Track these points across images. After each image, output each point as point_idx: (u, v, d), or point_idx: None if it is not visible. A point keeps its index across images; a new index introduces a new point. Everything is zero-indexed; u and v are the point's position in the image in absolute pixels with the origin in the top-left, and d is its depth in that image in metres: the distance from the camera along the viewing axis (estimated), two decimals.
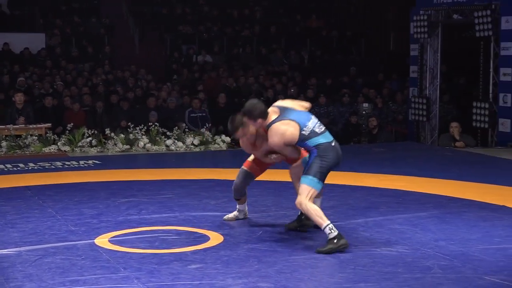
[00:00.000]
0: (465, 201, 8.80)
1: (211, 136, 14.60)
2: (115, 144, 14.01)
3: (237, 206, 7.73)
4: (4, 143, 13.88)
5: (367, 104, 17.39)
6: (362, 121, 16.70)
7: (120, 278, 5.83)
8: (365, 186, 9.81)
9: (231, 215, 7.78)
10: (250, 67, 20.69)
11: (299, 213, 7.23)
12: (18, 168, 11.72)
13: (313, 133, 6.59)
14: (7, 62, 19.33)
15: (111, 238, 7.07)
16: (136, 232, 7.32)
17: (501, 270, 6.00)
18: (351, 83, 19.94)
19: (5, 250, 6.65)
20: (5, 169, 11.64)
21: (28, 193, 9.45)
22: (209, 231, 7.30)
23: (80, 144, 14.05)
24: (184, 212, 8.22)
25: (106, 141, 14.14)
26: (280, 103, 6.87)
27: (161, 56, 22.03)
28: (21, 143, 13.94)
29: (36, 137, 14.07)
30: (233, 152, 14.10)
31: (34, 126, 14.48)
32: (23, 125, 14.52)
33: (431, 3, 16.45)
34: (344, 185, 9.81)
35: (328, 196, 8.95)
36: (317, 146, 6.59)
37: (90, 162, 12.27)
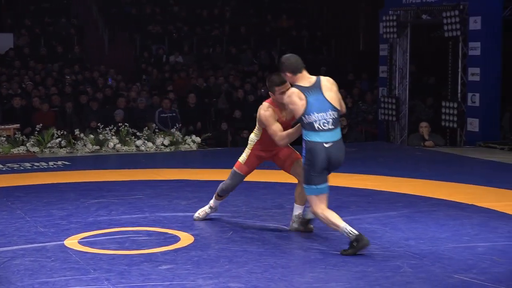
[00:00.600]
0: (435, 200, 8.86)
1: (181, 136, 14.57)
2: (85, 145, 13.93)
3: (211, 202, 7.68)
4: None
5: None
6: None
7: (90, 279, 5.79)
8: (335, 186, 9.77)
9: (201, 212, 7.74)
10: (220, 67, 20.67)
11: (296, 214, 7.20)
12: None
13: (310, 127, 6.41)
14: None
15: (80, 239, 7.02)
16: (106, 233, 7.27)
17: (470, 268, 6.04)
18: None
19: None
20: None
21: None
22: (180, 232, 7.27)
23: (49, 145, 13.95)
24: (154, 212, 8.18)
25: (75, 141, 14.06)
26: (326, 82, 6.60)
27: (131, 56, 21.93)
28: None
29: (5, 138, 13.94)
30: (203, 153, 14.10)
31: (2, 127, 14.32)
32: None
33: (400, 3, 16.55)
34: None
35: None
36: (306, 141, 6.44)
37: (59, 163, 12.18)
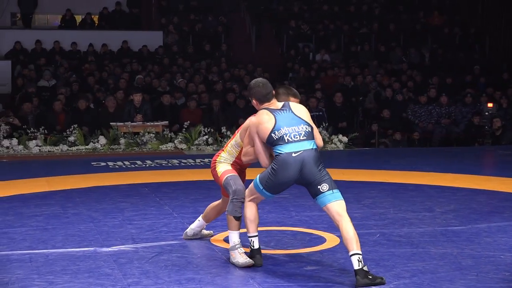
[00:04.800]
0: None
1: (328, 135, 14.43)
2: None
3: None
4: (122, 140, 14.11)
5: (491, 104, 16.83)
6: (486, 122, 16.16)
7: (235, 277, 5.79)
8: (488, 190, 9.45)
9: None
10: (367, 66, 20.37)
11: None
12: (136, 165, 11.89)
13: (281, 140, 5.87)
14: (126, 59, 19.66)
15: (226, 237, 7.01)
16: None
17: None
18: (474, 82, 19.37)
19: (123, 246, 6.72)
20: (123, 166, 11.83)
21: (145, 190, 9.55)
22: (325, 233, 7.18)
23: (196, 142, 14.14)
24: (300, 212, 8.12)
25: (222, 139, 14.18)
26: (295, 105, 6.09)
27: (277, 55, 21.96)
28: (139, 141, 14.14)
29: (154, 135, 14.24)
30: (351, 153, 13.90)
31: (152, 123, 14.64)
32: (141, 122, 14.67)
33: None
34: (466, 188, 9.51)
35: (449, 199, 8.72)
36: (276, 156, 5.91)
37: (206, 160, 12.31)
